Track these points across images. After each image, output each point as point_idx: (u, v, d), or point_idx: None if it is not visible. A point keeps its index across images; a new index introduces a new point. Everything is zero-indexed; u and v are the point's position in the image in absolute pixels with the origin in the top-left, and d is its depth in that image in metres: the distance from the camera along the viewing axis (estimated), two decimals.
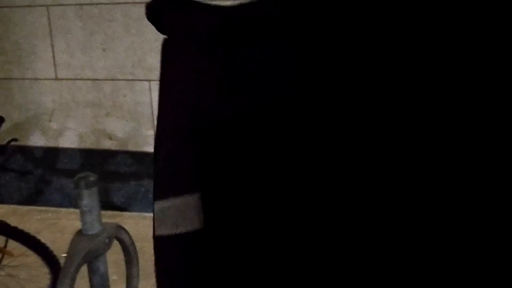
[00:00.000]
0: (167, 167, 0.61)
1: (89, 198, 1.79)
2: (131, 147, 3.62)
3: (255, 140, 0.54)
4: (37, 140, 3.79)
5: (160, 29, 0.61)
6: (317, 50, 0.53)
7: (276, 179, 0.54)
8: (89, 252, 1.75)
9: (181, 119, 0.59)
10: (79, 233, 1.80)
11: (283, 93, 0.54)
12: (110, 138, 3.68)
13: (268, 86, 0.54)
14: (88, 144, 3.72)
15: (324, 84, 0.53)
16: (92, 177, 1.80)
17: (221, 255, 0.60)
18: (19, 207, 3.80)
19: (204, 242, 0.60)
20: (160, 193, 0.62)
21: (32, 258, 2.60)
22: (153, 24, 0.61)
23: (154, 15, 0.61)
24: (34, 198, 3.85)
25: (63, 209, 3.72)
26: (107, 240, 1.77)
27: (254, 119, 0.54)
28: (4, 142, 2.51)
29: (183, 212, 0.59)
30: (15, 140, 2.61)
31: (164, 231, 0.61)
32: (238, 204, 0.56)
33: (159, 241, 0.62)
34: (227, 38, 0.56)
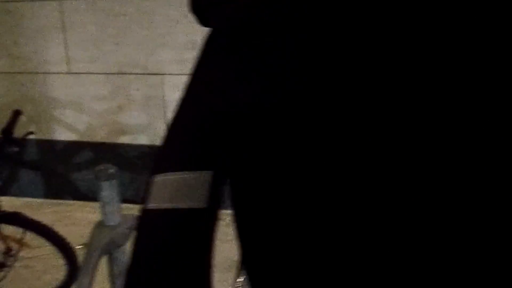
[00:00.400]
0: (180, 143, 0.61)
1: (109, 190, 1.81)
2: (144, 141, 3.64)
3: (272, 129, 0.55)
4: (50, 133, 3.82)
5: (203, 21, 0.62)
6: (327, 46, 0.54)
7: (289, 167, 0.55)
8: (109, 242, 1.77)
9: (208, 104, 0.60)
10: (100, 224, 1.82)
11: (295, 86, 0.55)
12: (123, 132, 3.70)
13: (283, 80, 0.55)
14: (100, 138, 3.74)
15: (331, 83, 0.53)
16: (112, 169, 1.82)
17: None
18: (33, 200, 3.83)
19: (204, 222, 0.60)
20: (166, 166, 0.61)
21: (49, 250, 2.62)
22: (196, 16, 0.63)
23: (198, 8, 0.63)
24: (49, 191, 3.88)
25: (76, 202, 3.74)
26: (127, 231, 1.79)
27: (273, 110, 0.55)
28: (21, 136, 2.53)
29: (188, 188, 0.59)
30: (32, 133, 2.63)
31: (159, 204, 0.59)
32: (255, 191, 0.57)
33: (149, 214, 0.60)
34: (258, 34, 0.58)
